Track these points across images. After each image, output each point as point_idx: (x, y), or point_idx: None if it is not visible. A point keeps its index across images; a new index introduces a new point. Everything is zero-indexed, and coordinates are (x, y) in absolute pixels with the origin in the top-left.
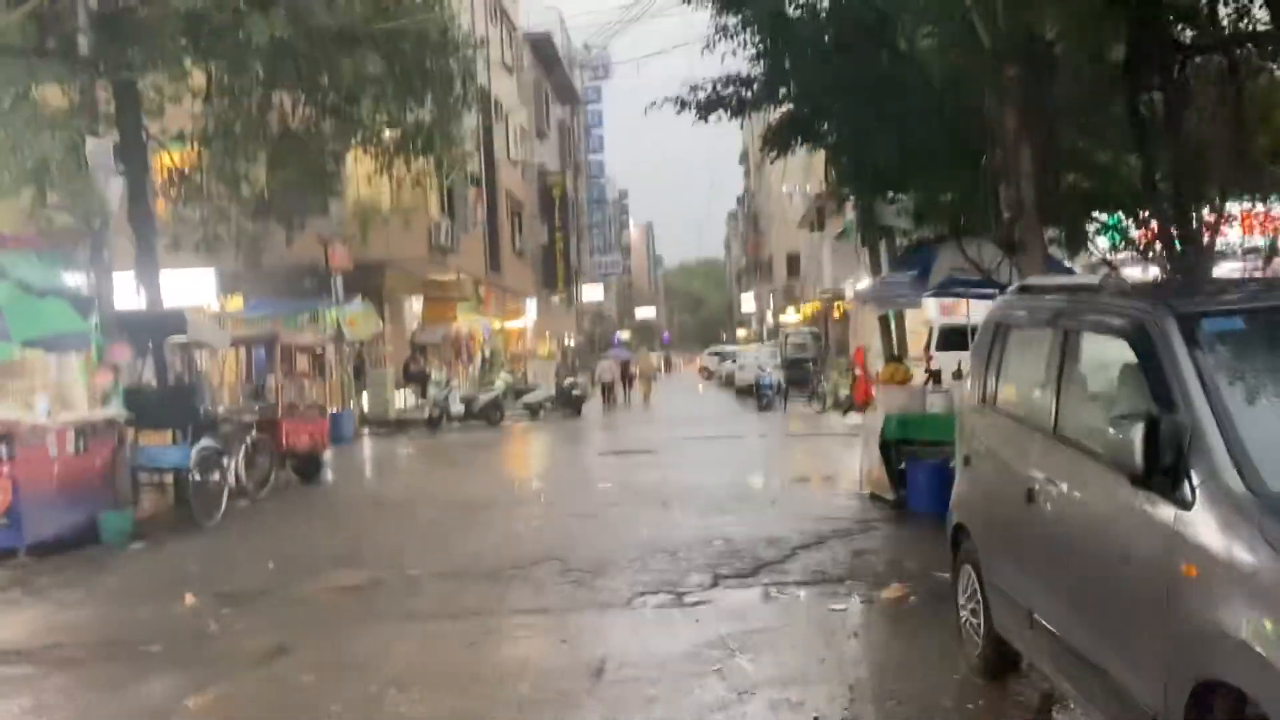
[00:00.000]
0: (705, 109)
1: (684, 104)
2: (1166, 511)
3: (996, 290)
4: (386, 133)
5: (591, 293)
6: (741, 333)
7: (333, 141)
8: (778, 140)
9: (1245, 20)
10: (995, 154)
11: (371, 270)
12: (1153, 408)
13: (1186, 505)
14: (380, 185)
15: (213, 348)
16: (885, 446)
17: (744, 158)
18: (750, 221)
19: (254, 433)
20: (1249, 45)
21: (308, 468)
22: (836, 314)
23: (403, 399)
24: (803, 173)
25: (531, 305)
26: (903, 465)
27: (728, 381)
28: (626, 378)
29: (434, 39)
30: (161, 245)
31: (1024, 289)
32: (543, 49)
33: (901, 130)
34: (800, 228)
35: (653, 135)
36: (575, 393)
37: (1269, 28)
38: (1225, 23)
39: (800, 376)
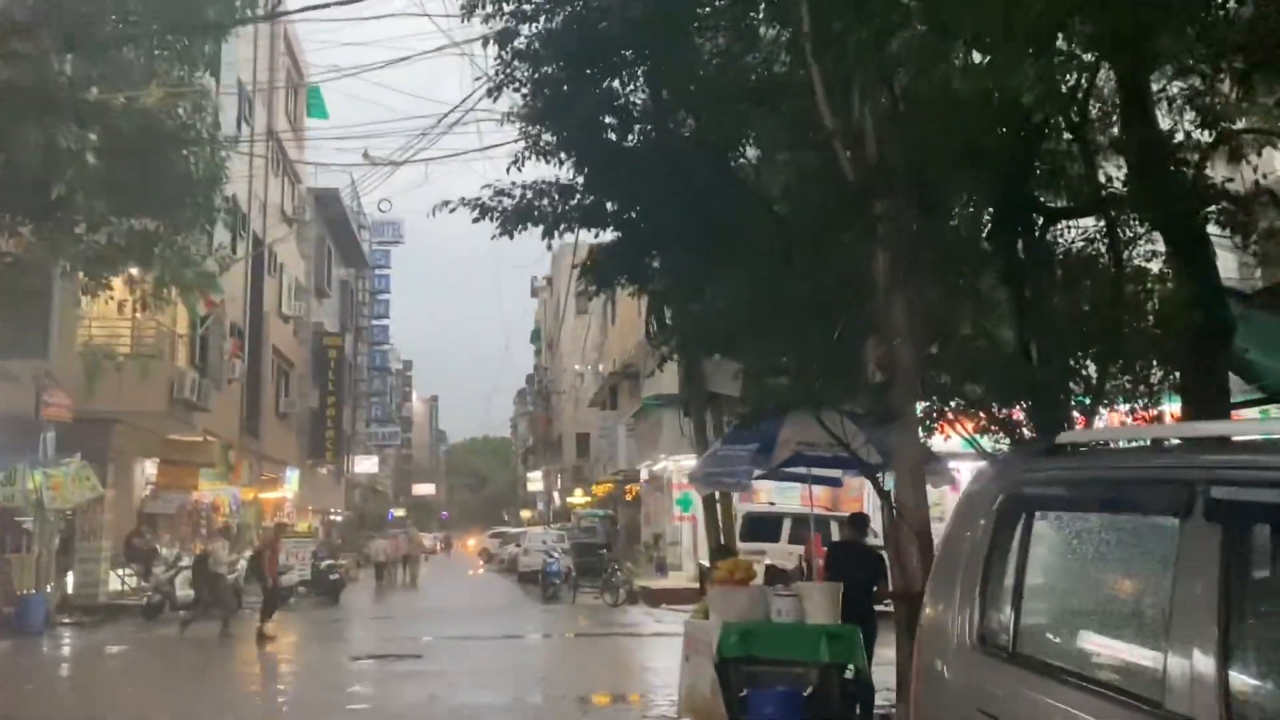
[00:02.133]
0: (512, 220)
1: (485, 210)
2: None
3: (849, 470)
4: (101, 239)
5: (365, 464)
6: (526, 513)
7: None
8: (598, 273)
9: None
10: (861, 307)
11: (98, 425)
12: None
13: None
14: (116, 327)
15: None
16: (723, 666)
17: (535, 336)
18: (541, 399)
19: None
20: (1118, 210)
21: None
22: (629, 496)
23: (121, 581)
24: (595, 351)
25: (293, 475)
26: (744, 692)
27: (510, 566)
28: (405, 558)
29: (167, 126)
30: None
31: (1058, 449)
32: (329, 205)
33: (744, 277)
34: (592, 406)
35: (442, 308)
36: (333, 577)
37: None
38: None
39: (592, 564)
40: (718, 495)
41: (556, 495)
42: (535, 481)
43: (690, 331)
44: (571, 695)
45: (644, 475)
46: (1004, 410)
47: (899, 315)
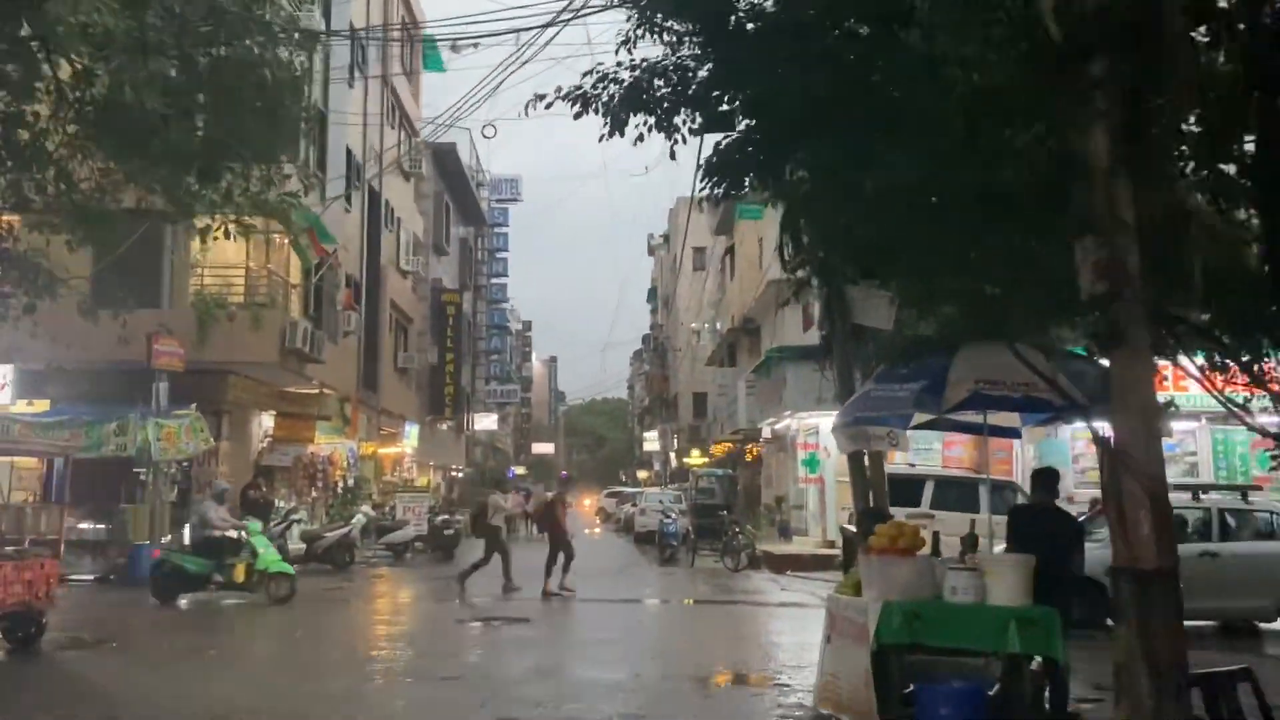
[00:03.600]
0: (620, 109)
1: (586, 101)
2: None
3: (1034, 418)
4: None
5: (484, 422)
6: (643, 474)
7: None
8: (725, 172)
9: None
10: (1067, 201)
11: (211, 376)
12: None
13: None
14: (229, 276)
15: None
16: (881, 654)
17: (652, 294)
18: (657, 358)
19: None
20: None
21: (20, 627)
22: (749, 456)
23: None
24: (713, 308)
25: (412, 430)
26: (909, 688)
27: (626, 526)
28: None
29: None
30: None
31: None
32: (446, 160)
33: (907, 166)
34: (710, 365)
35: (561, 268)
36: (448, 532)
37: None
38: None
39: (711, 525)
40: (866, 453)
41: (673, 456)
42: (652, 441)
43: (836, 244)
44: (689, 673)
45: (766, 434)
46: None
47: (1124, 207)
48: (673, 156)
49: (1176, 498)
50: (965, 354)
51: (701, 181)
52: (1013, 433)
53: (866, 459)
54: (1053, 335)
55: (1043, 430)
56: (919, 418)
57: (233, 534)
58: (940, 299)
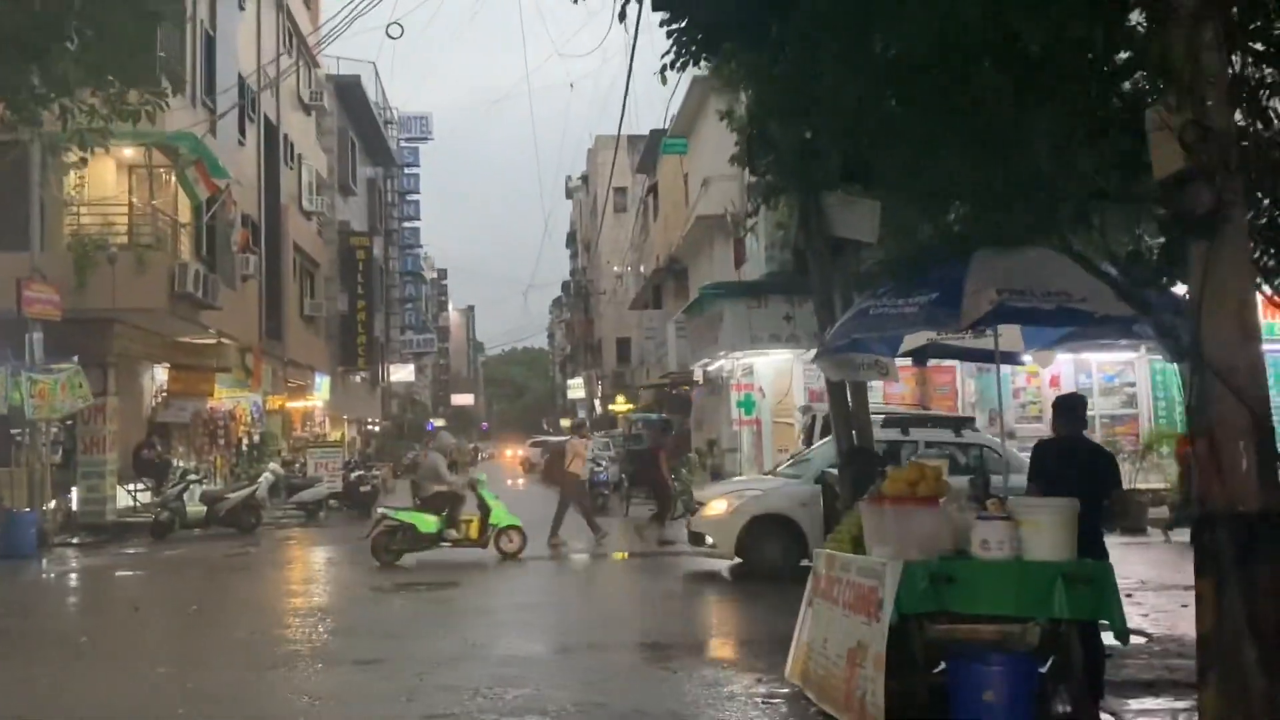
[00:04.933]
0: None
1: None
2: None
3: (1068, 340)
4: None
5: (401, 373)
6: (566, 422)
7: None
8: (703, 31)
9: None
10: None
11: (94, 325)
12: None
13: None
14: (109, 213)
15: None
16: (901, 627)
17: (571, 239)
18: (579, 302)
19: None
20: None
21: None
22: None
23: (132, 496)
24: (636, 252)
25: (323, 383)
26: (940, 666)
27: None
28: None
29: None
30: None
31: None
32: (350, 95)
33: (931, 40)
34: (634, 309)
35: (475, 215)
36: (364, 488)
37: None
38: None
39: (644, 473)
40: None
41: (597, 403)
42: (576, 389)
43: (826, 130)
44: (641, 641)
45: (698, 376)
46: None
47: (1214, 58)
48: (622, 18)
49: (886, 435)
50: (982, 260)
51: (670, 44)
52: (1013, 358)
53: (848, 391)
54: (1096, 233)
55: (1050, 354)
56: (909, 343)
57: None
58: (953, 196)
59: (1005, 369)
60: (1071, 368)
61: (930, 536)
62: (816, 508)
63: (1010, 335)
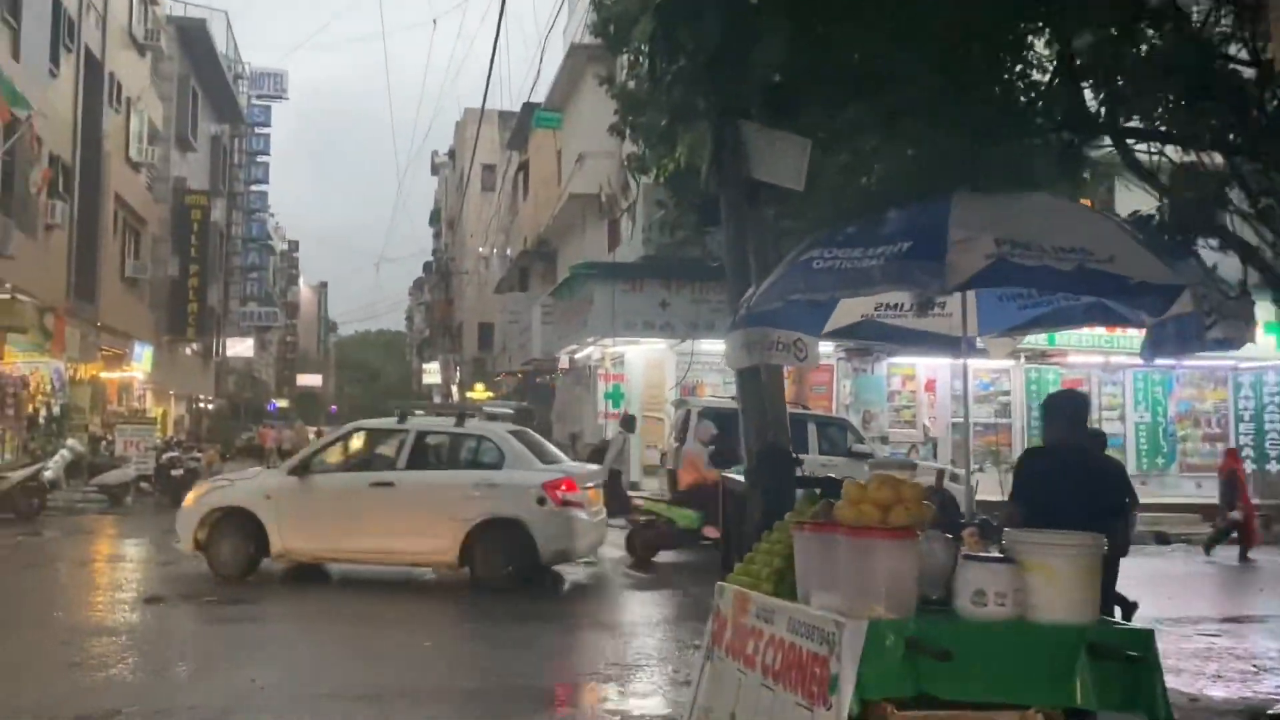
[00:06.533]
0: None
1: None
2: None
3: (1090, 308)
4: None
5: (239, 347)
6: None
7: None
8: None
9: None
10: None
11: None
12: None
13: None
14: None
15: None
16: (862, 717)
17: (435, 217)
18: (441, 282)
19: None
20: None
21: None
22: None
23: None
24: (503, 234)
25: (145, 352)
26: None
27: None
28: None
29: None
30: None
31: None
32: (194, 39)
33: None
34: (499, 292)
35: (333, 186)
36: (175, 472)
37: None
38: None
39: None
40: (764, 370)
41: (455, 390)
42: (432, 374)
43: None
44: (510, 684)
45: (563, 364)
46: None
47: None
48: None
49: (386, 422)
50: (966, 202)
51: None
52: (969, 346)
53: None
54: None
55: (1011, 342)
56: (837, 319)
57: None
58: (917, 115)
59: (880, 368)
60: (948, 372)
61: (904, 585)
62: (284, 500)
63: (960, 315)
